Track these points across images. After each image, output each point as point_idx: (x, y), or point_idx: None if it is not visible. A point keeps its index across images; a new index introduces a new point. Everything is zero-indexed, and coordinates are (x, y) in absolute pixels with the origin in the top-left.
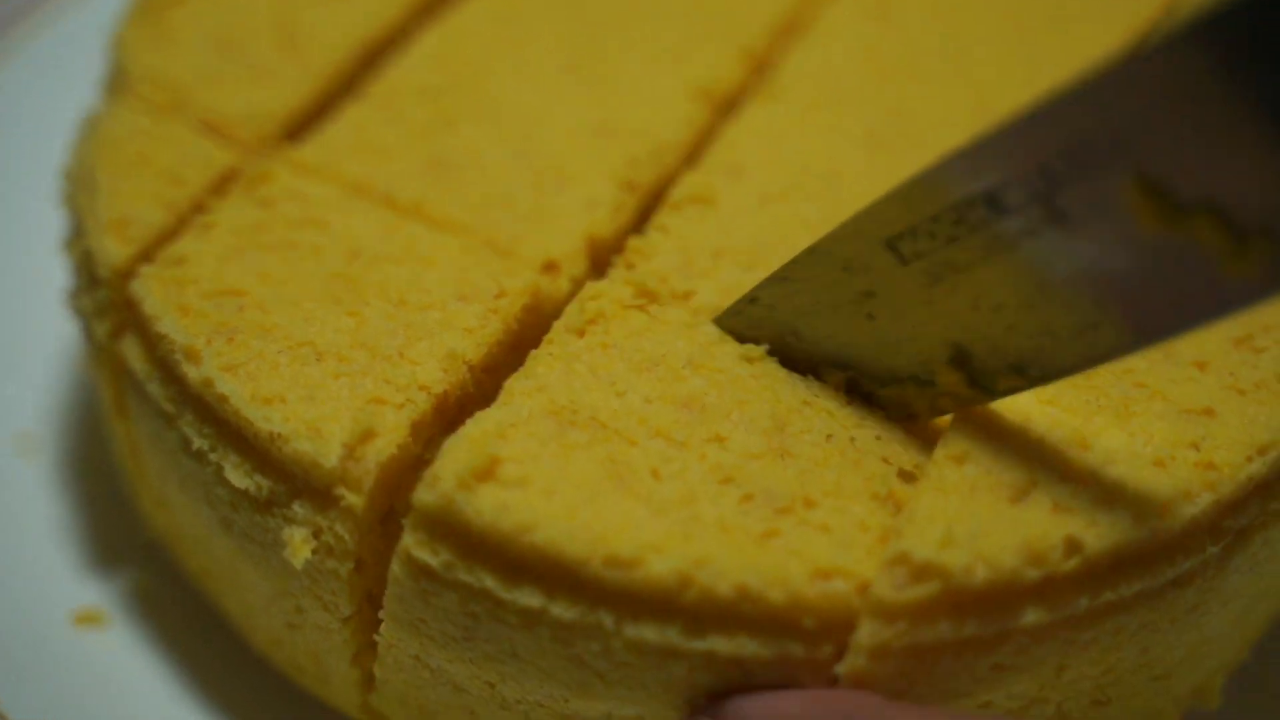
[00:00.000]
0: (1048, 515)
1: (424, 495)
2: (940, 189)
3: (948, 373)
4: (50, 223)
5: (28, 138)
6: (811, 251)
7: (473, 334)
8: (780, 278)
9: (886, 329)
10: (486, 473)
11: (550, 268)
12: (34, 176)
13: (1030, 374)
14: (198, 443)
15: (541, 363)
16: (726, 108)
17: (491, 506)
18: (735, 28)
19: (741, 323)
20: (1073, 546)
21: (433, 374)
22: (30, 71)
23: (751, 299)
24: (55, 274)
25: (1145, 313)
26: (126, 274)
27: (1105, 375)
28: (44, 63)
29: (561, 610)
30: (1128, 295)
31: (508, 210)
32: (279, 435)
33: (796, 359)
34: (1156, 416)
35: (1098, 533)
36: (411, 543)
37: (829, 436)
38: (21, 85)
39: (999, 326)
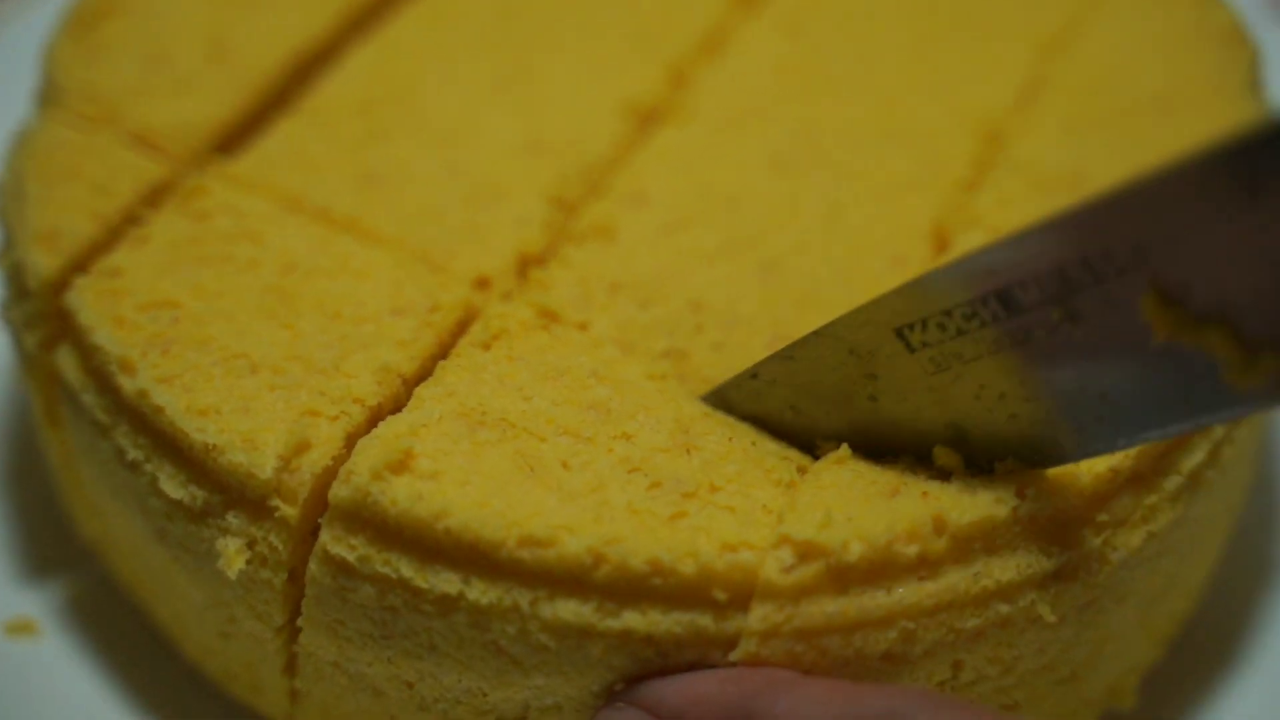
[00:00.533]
0: (918, 500)
1: (339, 490)
2: (957, 285)
3: (946, 454)
4: None
5: None
6: (818, 334)
7: (406, 347)
8: (784, 356)
9: (888, 410)
10: (400, 465)
11: (482, 283)
12: None
13: (1030, 459)
14: (132, 453)
15: (450, 372)
16: (652, 123)
17: (406, 495)
18: (660, 44)
19: (739, 395)
20: (940, 524)
21: (367, 386)
22: None
23: (752, 374)
24: None
25: (1147, 412)
26: (56, 285)
27: None
28: None
29: (478, 594)
30: (1132, 395)
31: (440, 225)
32: (214, 447)
33: (794, 432)
34: None
35: (961, 510)
36: (328, 539)
37: (730, 439)
38: None
39: (1001, 415)
